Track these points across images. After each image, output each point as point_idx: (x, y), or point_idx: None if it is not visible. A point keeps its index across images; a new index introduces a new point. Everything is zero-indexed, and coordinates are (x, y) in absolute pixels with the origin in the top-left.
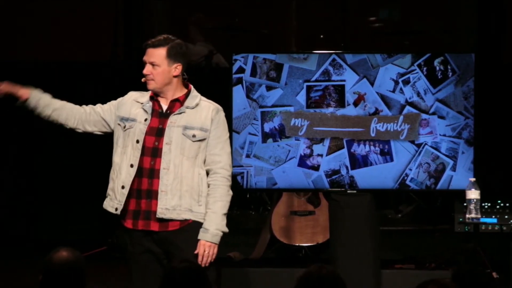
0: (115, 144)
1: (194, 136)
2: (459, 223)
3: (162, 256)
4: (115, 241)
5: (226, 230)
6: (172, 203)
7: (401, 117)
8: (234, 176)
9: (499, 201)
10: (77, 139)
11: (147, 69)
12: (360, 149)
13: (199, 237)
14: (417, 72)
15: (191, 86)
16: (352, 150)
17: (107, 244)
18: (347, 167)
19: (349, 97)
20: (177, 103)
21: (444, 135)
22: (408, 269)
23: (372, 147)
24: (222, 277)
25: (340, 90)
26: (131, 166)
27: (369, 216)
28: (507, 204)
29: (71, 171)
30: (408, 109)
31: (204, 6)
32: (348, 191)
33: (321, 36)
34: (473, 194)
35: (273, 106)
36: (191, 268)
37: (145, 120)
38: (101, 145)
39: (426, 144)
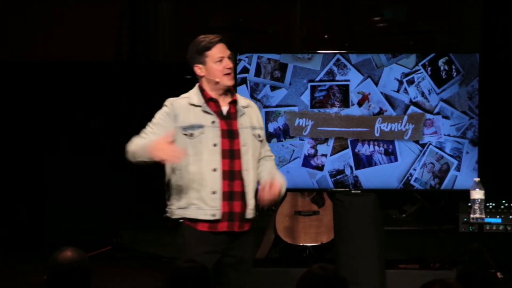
0: (187, 156)
1: (259, 136)
2: (464, 223)
3: (220, 257)
4: (119, 241)
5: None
6: (253, 203)
7: (406, 117)
8: None
9: (503, 201)
10: (82, 139)
11: (231, 63)
12: (364, 149)
13: (268, 179)
14: (421, 72)
15: None
16: (356, 150)
17: (111, 244)
18: (351, 167)
19: (354, 97)
20: (232, 104)
21: (449, 135)
22: (412, 269)
23: (376, 147)
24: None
25: (344, 90)
26: (214, 170)
27: (374, 216)
28: None
29: (76, 171)
30: (412, 109)
31: (208, 6)
32: (353, 191)
33: (326, 36)
34: (478, 194)
35: (277, 106)
36: (196, 268)
37: (213, 122)
38: (105, 146)
39: (430, 144)
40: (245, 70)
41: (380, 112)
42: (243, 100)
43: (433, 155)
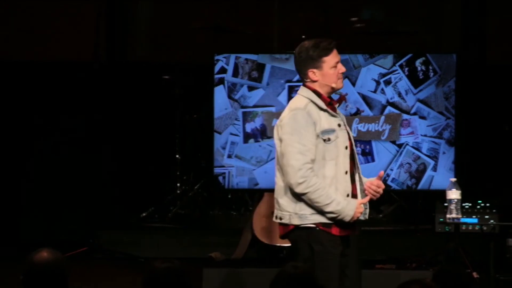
0: (321, 160)
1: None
2: (440, 223)
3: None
4: (96, 242)
5: None
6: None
7: (383, 117)
8: (215, 177)
9: (479, 201)
10: (59, 140)
11: (343, 67)
12: None
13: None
14: (398, 73)
15: None
16: None
17: (88, 245)
18: None
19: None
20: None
21: (425, 135)
22: (389, 269)
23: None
24: (204, 278)
25: None
26: (346, 173)
27: None
28: (488, 204)
29: (53, 171)
30: (389, 109)
31: (187, 6)
32: None
33: (303, 36)
34: (454, 194)
35: (254, 106)
36: (173, 268)
37: (339, 125)
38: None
39: (407, 144)
40: (223, 70)
41: (357, 112)
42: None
43: (410, 155)
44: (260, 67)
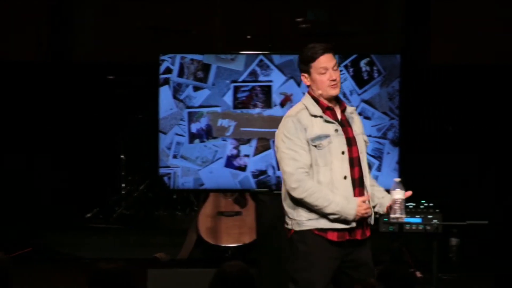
0: (315, 166)
1: (366, 142)
2: (384, 223)
3: (339, 263)
4: (40, 243)
5: None
6: (372, 210)
7: None
8: (160, 177)
9: (423, 201)
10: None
11: (336, 74)
12: None
13: (386, 200)
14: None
15: None
16: None
17: (32, 246)
18: (274, 168)
19: (276, 98)
20: (342, 112)
21: (370, 136)
22: None
23: None
24: (148, 278)
25: (267, 90)
26: (345, 178)
27: None
28: (431, 204)
29: None
30: None
31: (132, 6)
32: (275, 192)
33: (248, 37)
34: (398, 194)
35: (200, 106)
36: (118, 268)
37: (336, 130)
38: (30, 148)
39: None
40: (168, 70)
41: None
42: (349, 107)
43: None
44: (206, 67)
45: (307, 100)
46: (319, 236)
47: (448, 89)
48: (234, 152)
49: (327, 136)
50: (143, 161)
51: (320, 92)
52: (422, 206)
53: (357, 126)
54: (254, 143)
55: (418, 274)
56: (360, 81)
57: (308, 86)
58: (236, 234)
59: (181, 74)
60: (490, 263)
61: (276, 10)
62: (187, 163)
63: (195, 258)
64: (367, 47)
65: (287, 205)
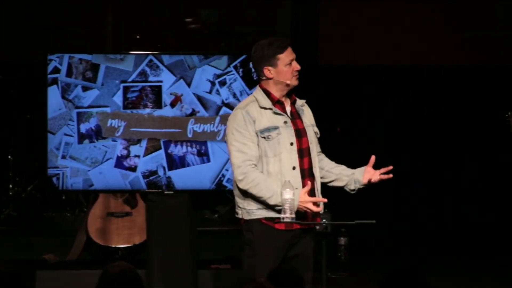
0: (264, 157)
1: (317, 133)
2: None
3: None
4: None
5: None
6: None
7: (218, 118)
8: (49, 178)
9: None
10: None
11: (298, 65)
12: (177, 150)
13: (358, 174)
14: (233, 74)
15: None
16: (169, 151)
17: None
18: (164, 168)
19: (166, 98)
20: (292, 104)
21: None
22: (224, 269)
23: (189, 148)
24: (37, 280)
25: (157, 91)
26: (294, 168)
27: (186, 217)
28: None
29: None
30: (224, 110)
31: (21, 5)
32: (165, 192)
33: (138, 36)
34: (288, 194)
35: (89, 106)
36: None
37: (285, 122)
38: None
39: None
40: (56, 70)
41: (193, 113)
42: (299, 100)
43: None
44: (95, 67)
45: (258, 93)
46: (266, 225)
47: (337, 89)
48: (124, 152)
49: (276, 128)
50: (31, 162)
51: (288, 82)
52: None
53: (308, 118)
54: (144, 143)
55: None
56: (250, 81)
57: (267, 80)
58: (126, 235)
59: (69, 74)
60: (378, 262)
61: (166, 10)
62: (76, 163)
63: (84, 259)
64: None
65: (237, 195)
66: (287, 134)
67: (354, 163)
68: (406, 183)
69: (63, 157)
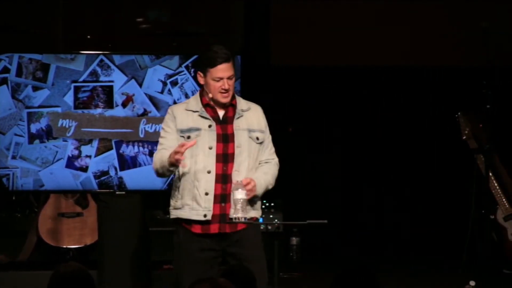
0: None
1: (257, 138)
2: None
3: (219, 257)
4: None
5: (260, 193)
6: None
7: None
8: None
9: (264, 201)
10: None
11: (229, 84)
12: (129, 150)
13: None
14: (185, 74)
15: None
16: (121, 151)
17: None
18: (116, 168)
19: (118, 98)
20: (230, 108)
21: None
22: None
23: (141, 148)
24: None
25: (108, 91)
26: (208, 172)
27: (138, 217)
28: (272, 204)
29: None
30: None
31: None
32: (117, 192)
33: (88, 36)
34: (240, 194)
35: (40, 106)
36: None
37: (210, 126)
38: None
39: None
40: (6, 70)
41: (145, 113)
42: (244, 104)
43: None
44: (45, 67)
45: (194, 95)
46: (185, 229)
47: (289, 89)
48: (75, 152)
49: (197, 130)
50: None
51: (210, 96)
52: (263, 206)
53: (247, 123)
54: (95, 143)
55: None
56: None
57: (201, 85)
58: (77, 235)
59: (19, 73)
60: (330, 262)
61: (117, 10)
62: (27, 164)
63: (35, 260)
64: (208, 48)
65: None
66: (208, 138)
67: (306, 163)
68: (358, 182)
69: (13, 157)
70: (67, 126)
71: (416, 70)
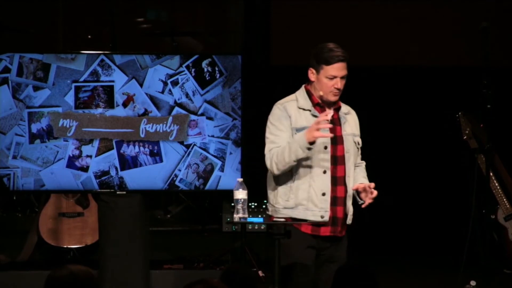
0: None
1: (358, 143)
2: (227, 223)
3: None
4: None
5: None
6: (352, 209)
7: (170, 118)
8: (0, 178)
9: (265, 201)
10: None
11: (341, 84)
12: (129, 150)
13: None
14: (185, 74)
15: None
16: (121, 151)
17: None
18: (116, 168)
19: (118, 98)
20: (335, 110)
21: (213, 136)
22: (177, 269)
23: (141, 148)
24: None
25: (109, 90)
26: (324, 172)
27: (139, 217)
28: None
29: None
30: (177, 110)
31: None
32: (118, 192)
33: (89, 36)
34: (241, 194)
35: (40, 106)
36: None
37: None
38: None
39: (195, 145)
40: (7, 70)
41: (145, 113)
42: (344, 107)
43: (197, 155)
44: (46, 67)
45: (300, 92)
46: (294, 228)
47: (288, 89)
48: (76, 152)
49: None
50: None
51: (321, 93)
52: (264, 206)
53: (350, 126)
54: (96, 143)
55: (261, 273)
56: (203, 81)
57: (311, 82)
58: (78, 235)
59: (20, 73)
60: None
61: (118, 10)
62: (28, 163)
63: (36, 260)
64: (208, 48)
65: (269, 190)
66: (323, 138)
67: None
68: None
69: (14, 157)
70: (67, 126)
71: (416, 70)
